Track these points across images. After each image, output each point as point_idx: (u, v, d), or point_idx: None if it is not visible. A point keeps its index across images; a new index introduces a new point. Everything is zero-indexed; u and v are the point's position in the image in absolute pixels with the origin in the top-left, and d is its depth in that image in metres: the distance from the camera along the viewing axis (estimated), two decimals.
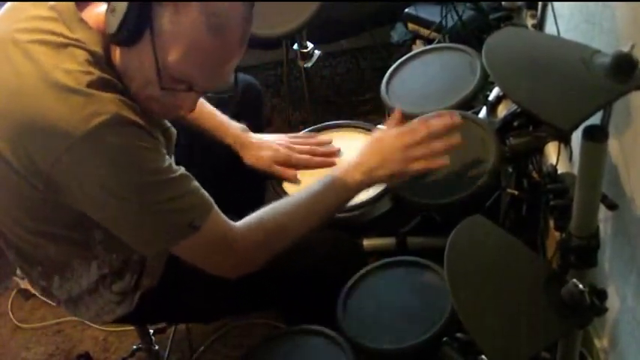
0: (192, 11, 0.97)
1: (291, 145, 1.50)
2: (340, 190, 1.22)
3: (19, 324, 2.04)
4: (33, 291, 2.03)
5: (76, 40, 1.02)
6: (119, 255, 1.21)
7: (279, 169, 1.47)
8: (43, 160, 0.99)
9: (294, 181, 1.46)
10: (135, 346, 1.75)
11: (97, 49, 1.03)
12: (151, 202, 1.03)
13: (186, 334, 1.87)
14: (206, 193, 1.11)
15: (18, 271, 2.07)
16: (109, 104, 0.99)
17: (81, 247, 1.17)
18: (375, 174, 1.22)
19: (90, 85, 0.98)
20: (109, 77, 1.01)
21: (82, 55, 1.01)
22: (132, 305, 1.26)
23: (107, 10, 1.00)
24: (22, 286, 2.07)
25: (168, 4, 0.97)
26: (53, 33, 1.02)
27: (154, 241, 1.09)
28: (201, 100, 1.46)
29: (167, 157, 1.07)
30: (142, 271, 1.25)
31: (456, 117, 1.22)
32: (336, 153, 1.50)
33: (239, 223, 1.16)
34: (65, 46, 1.01)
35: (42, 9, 1.05)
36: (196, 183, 1.10)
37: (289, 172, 1.47)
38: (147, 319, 1.55)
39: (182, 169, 1.08)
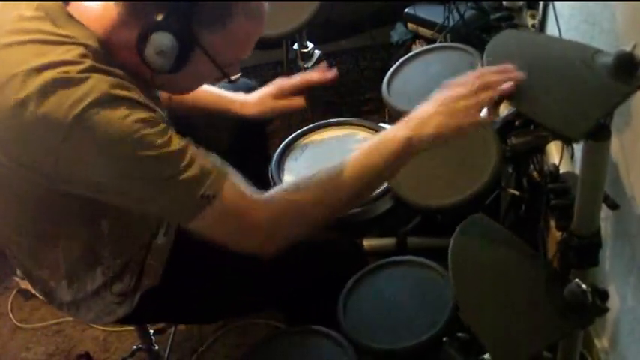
0: (237, 16, 1.03)
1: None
2: (384, 150, 1.09)
3: (19, 324, 2.03)
4: (33, 291, 2.02)
5: (67, 36, 1.00)
6: (123, 257, 1.21)
7: (283, 102, 1.51)
8: (43, 157, 0.98)
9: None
10: (135, 346, 1.74)
11: (91, 42, 1.01)
12: (156, 177, 1.00)
13: (186, 334, 1.87)
14: (219, 161, 1.06)
15: (18, 271, 2.06)
16: (98, 84, 0.96)
17: (88, 250, 1.17)
18: (423, 130, 1.07)
19: (80, 72, 0.97)
20: (103, 66, 0.99)
21: (73, 49, 0.99)
22: (132, 306, 1.26)
23: (149, 52, 1.00)
24: (22, 286, 2.07)
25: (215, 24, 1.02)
26: (41, 32, 1.00)
27: (171, 215, 1.08)
28: None
29: (169, 129, 1.03)
30: (142, 271, 1.25)
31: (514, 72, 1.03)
32: (332, 71, 1.52)
33: (265, 194, 1.10)
34: (55, 43, 0.99)
35: (29, 10, 1.03)
36: (204, 152, 1.06)
37: (293, 100, 1.51)
38: (147, 320, 1.55)
39: (187, 140, 1.04)
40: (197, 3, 1.00)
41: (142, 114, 0.99)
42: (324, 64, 1.55)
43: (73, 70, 0.96)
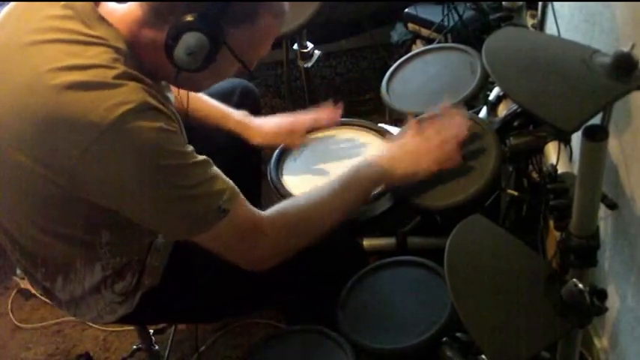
0: (263, 14, 1.06)
1: (294, 116, 1.54)
2: (362, 185, 1.25)
3: (19, 324, 2.03)
4: (33, 291, 2.03)
5: (98, 37, 1.02)
6: (123, 257, 1.21)
7: (287, 140, 1.50)
8: (68, 154, 0.98)
9: (301, 147, 1.51)
10: (135, 346, 1.74)
11: (121, 45, 1.03)
12: (180, 186, 1.03)
13: (186, 334, 1.87)
14: (229, 179, 1.11)
15: (18, 271, 2.07)
16: (135, 93, 0.99)
17: (86, 248, 1.17)
18: (394, 172, 1.26)
19: (115, 77, 0.99)
20: (134, 72, 1.02)
21: (105, 52, 1.01)
22: (133, 305, 1.26)
23: (179, 52, 1.01)
24: (22, 286, 2.07)
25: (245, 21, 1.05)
26: (72, 31, 1.02)
27: (185, 227, 1.08)
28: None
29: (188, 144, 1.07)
30: (143, 270, 1.25)
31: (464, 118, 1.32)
32: (339, 115, 1.53)
33: (265, 212, 1.16)
34: (86, 43, 1.01)
35: (56, 8, 1.04)
36: (217, 168, 1.10)
37: (296, 141, 1.51)
38: (148, 320, 1.55)
39: (204, 156, 1.08)
40: (228, 3, 1.02)
41: (172, 124, 1.03)
42: (329, 104, 1.56)
43: (109, 74, 0.98)
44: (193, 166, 1.05)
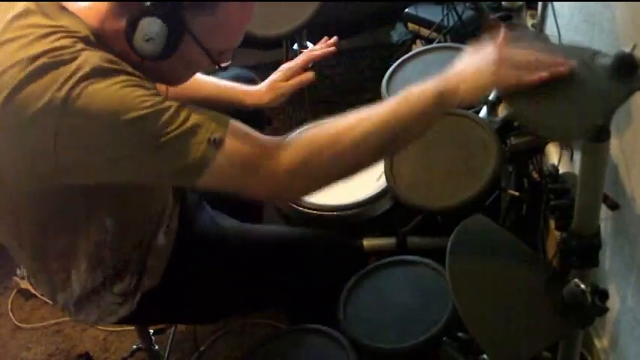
0: (228, 3, 1.01)
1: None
2: (414, 103, 1.03)
3: (19, 324, 2.03)
4: (33, 291, 2.03)
5: (59, 26, 0.99)
6: (123, 258, 1.21)
7: (293, 81, 1.44)
8: (44, 141, 0.96)
9: (312, 78, 1.44)
10: (135, 346, 1.74)
11: (84, 32, 1.00)
12: (157, 134, 0.96)
13: (186, 334, 1.87)
14: (214, 111, 1.03)
15: (18, 271, 2.07)
16: (89, 58, 0.96)
17: (88, 245, 1.16)
18: (459, 86, 1.03)
19: (73, 53, 0.96)
20: (95, 49, 0.99)
21: (64, 37, 0.98)
22: (133, 306, 1.26)
23: (137, 38, 0.98)
24: (22, 286, 2.07)
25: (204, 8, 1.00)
26: (32, 26, 0.99)
27: (181, 172, 1.00)
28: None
29: (162, 96, 1.01)
30: (143, 271, 1.25)
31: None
32: (332, 44, 1.47)
33: (281, 137, 1.07)
34: (46, 35, 0.98)
35: (18, 7, 1.02)
36: (194, 105, 1.02)
37: (303, 75, 1.44)
38: (149, 320, 1.55)
39: (176, 101, 1.01)
40: None
41: (134, 80, 0.98)
42: (324, 38, 1.50)
43: (66, 52, 0.96)
44: (168, 108, 0.98)
